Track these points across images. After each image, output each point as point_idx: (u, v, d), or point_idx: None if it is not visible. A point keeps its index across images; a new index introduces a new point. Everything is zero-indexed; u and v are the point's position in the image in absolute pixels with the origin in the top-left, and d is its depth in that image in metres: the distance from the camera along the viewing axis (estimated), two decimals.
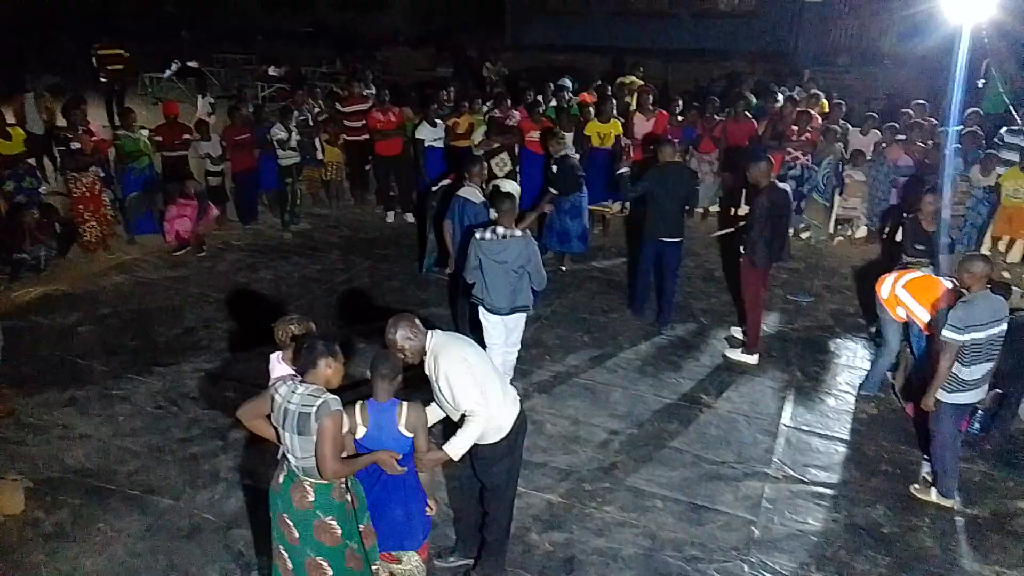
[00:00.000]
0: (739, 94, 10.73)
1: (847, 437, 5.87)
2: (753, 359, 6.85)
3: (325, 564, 3.54)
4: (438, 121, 9.56)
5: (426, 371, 3.94)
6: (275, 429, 3.57)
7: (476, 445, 4.00)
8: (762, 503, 5.10)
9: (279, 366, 3.94)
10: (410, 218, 10.10)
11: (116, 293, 7.99)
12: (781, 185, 6.76)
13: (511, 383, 4.81)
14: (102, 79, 13.70)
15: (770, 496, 5.17)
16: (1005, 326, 4.75)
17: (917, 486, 5.24)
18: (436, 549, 4.49)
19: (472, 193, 6.76)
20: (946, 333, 4.66)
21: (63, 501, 4.96)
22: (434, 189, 8.22)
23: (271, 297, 7.91)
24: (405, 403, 3.67)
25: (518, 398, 4.18)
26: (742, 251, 6.62)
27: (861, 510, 5.06)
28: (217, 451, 5.50)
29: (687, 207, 7.28)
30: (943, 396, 4.87)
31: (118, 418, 5.86)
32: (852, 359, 7.00)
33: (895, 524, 4.94)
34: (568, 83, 11.79)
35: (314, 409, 3.34)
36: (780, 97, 11.11)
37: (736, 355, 6.92)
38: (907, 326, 5.95)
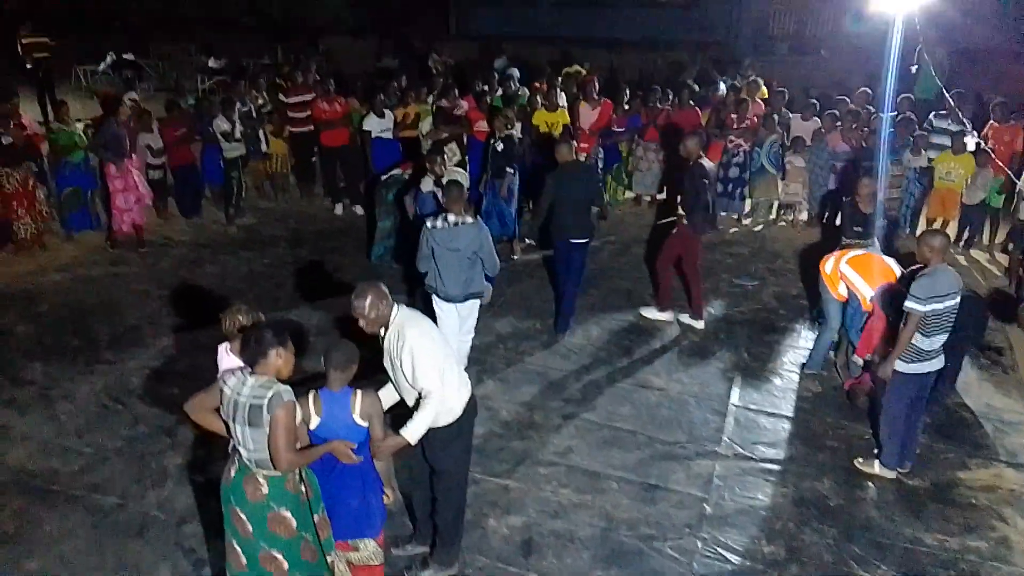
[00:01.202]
0: (683, 83, 10.87)
1: (793, 414, 6.03)
2: (700, 324, 7.26)
3: (280, 556, 3.50)
4: (386, 112, 9.47)
5: (385, 345, 3.93)
6: (224, 422, 3.51)
7: (428, 430, 4.02)
8: (713, 481, 5.21)
9: (227, 357, 3.87)
10: (359, 210, 9.99)
11: (54, 291, 7.75)
12: (707, 161, 7.07)
13: (465, 370, 4.82)
14: (28, 67, 13.26)
15: (721, 474, 5.28)
16: (959, 299, 4.90)
17: (861, 459, 5.40)
18: (393, 537, 4.48)
19: (424, 182, 6.78)
20: (909, 304, 4.78)
21: (5, 503, 4.81)
22: (384, 178, 8.17)
23: (217, 292, 7.75)
24: (359, 392, 3.64)
25: (469, 382, 4.21)
26: (683, 223, 6.93)
27: (808, 484, 5.21)
28: (165, 448, 5.38)
29: (595, 207, 7.08)
30: (903, 367, 4.97)
31: (60, 418, 5.70)
32: (796, 339, 7.18)
33: (841, 496, 5.10)
34: (516, 72, 11.79)
35: (266, 401, 3.30)
36: (722, 86, 11.32)
37: (651, 313, 7.40)
38: (846, 304, 6.13)
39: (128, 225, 8.66)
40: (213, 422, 3.63)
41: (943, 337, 4.95)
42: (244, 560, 3.54)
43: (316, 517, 3.59)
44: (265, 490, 3.43)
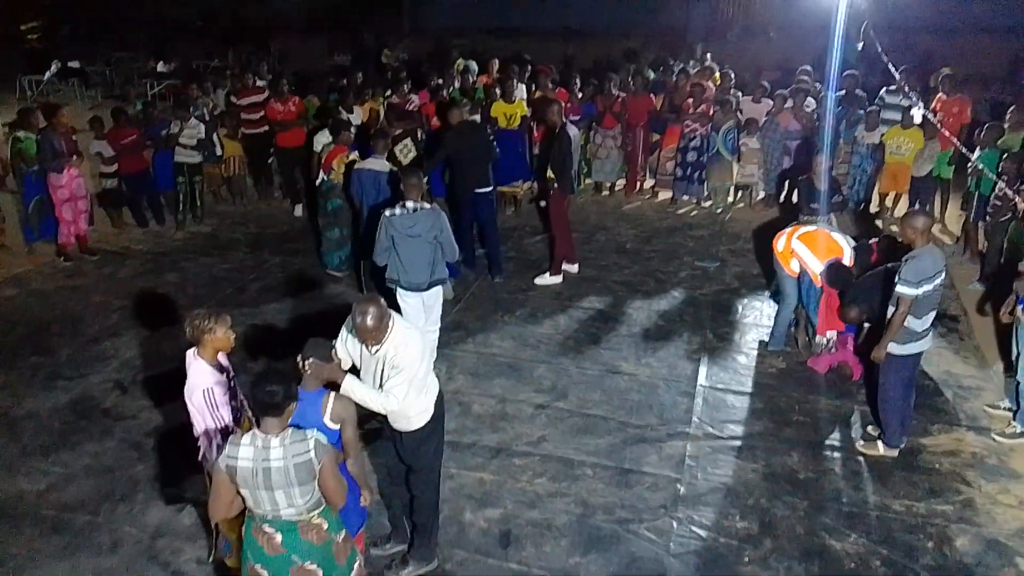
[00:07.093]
0: (637, 70, 10.96)
1: (759, 392, 6.11)
2: (559, 279, 7.91)
3: None
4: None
5: (377, 354, 3.84)
6: (244, 496, 3.25)
7: (403, 432, 4.03)
8: (685, 461, 5.27)
9: (196, 362, 3.82)
10: None
11: (9, 307, 7.57)
12: (572, 128, 7.74)
13: (434, 364, 4.82)
14: None
15: (692, 454, 5.35)
16: (944, 274, 4.96)
17: (862, 442, 5.40)
18: (372, 538, 4.47)
19: (380, 164, 6.75)
20: (900, 289, 4.79)
21: None
22: (318, 183, 8.07)
23: (179, 300, 7.64)
24: (332, 394, 3.62)
25: (436, 380, 4.21)
26: (555, 187, 7.63)
27: (777, 459, 5.30)
28: (133, 462, 5.29)
29: (491, 160, 7.72)
30: (897, 349, 4.99)
31: (23, 437, 5.56)
32: (759, 318, 7.29)
33: (809, 469, 5.20)
34: (474, 66, 11.78)
35: (312, 453, 3.16)
36: (675, 71, 11.43)
37: (545, 280, 7.92)
38: (799, 280, 6.24)
39: (71, 237, 8.53)
40: (238, 506, 3.39)
41: (932, 315, 4.98)
42: None
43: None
44: (325, 526, 3.35)
